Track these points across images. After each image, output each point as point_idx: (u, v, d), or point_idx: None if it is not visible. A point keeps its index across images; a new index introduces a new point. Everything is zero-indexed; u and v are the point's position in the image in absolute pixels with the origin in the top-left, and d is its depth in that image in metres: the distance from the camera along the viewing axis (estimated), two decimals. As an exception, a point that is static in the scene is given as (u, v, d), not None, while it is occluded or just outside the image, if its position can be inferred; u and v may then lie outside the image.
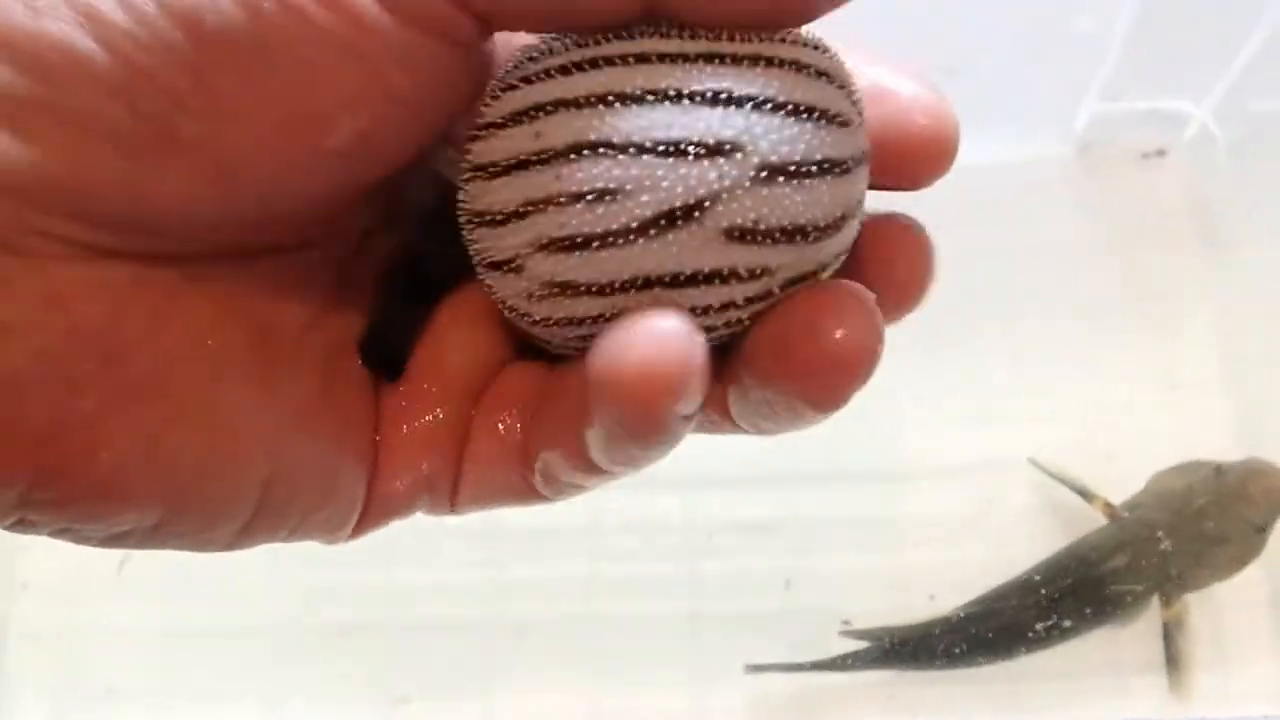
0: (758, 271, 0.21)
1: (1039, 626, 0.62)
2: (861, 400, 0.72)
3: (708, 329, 0.21)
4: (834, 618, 0.64)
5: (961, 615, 0.63)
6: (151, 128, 0.18)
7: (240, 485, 0.22)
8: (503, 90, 0.22)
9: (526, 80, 0.21)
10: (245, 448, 0.22)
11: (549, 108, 0.21)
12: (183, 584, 0.65)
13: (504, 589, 0.66)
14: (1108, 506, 0.64)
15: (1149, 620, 0.63)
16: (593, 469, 0.23)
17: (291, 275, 0.23)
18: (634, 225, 0.20)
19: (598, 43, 0.21)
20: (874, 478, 0.68)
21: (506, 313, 0.23)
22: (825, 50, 0.22)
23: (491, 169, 0.21)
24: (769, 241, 0.20)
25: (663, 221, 0.20)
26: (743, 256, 0.20)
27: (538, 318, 0.22)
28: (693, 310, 0.21)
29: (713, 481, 0.67)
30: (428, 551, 0.66)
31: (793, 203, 0.20)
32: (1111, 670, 0.65)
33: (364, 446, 0.25)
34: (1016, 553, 0.66)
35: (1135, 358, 0.70)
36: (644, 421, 0.19)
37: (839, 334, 0.21)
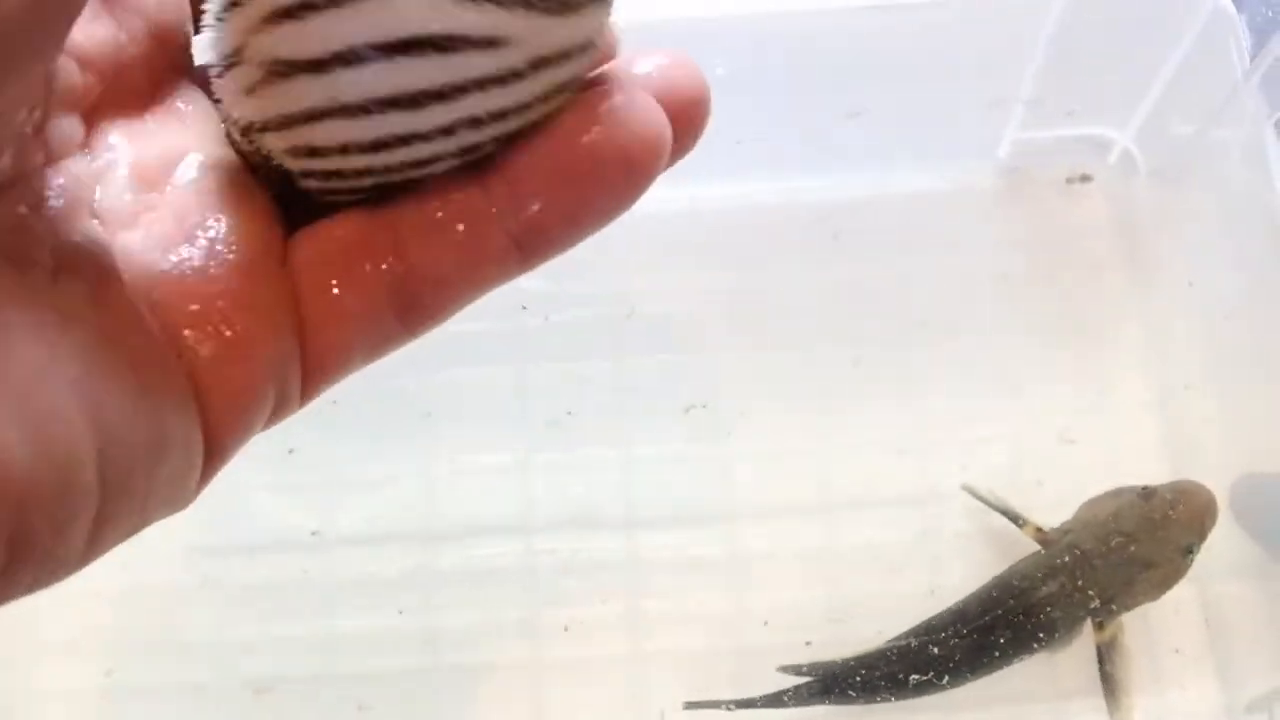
0: (495, 41, 0.20)
1: (976, 655, 0.62)
2: (796, 433, 0.73)
3: (472, 123, 0.21)
4: (773, 653, 0.64)
5: (900, 646, 0.63)
6: None
7: (78, 464, 0.19)
8: None
9: None
10: (65, 417, 0.18)
11: None
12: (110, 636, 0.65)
13: (440, 634, 0.66)
14: (1039, 532, 0.65)
15: (1084, 644, 0.64)
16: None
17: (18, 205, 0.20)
18: None
19: None
20: (810, 510, 0.68)
21: (244, 144, 0.22)
22: None
23: None
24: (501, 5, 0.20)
25: None
26: (475, 20, 0.19)
27: (261, 120, 0.21)
28: (439, 97, 0.20)
29: (650, 521, 0.67)
30: (361, 599, 0.66)
31: None
32: (1052, 694, 0.65)
33: (171, 364, 0.21)
34: (953, 580, 0.66)
35: (1064, 381, 0.71)
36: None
37: (634, 123, 0.21)
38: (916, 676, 0.62)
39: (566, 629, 0.66)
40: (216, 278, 0.22)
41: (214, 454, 0.22)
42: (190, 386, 0.21)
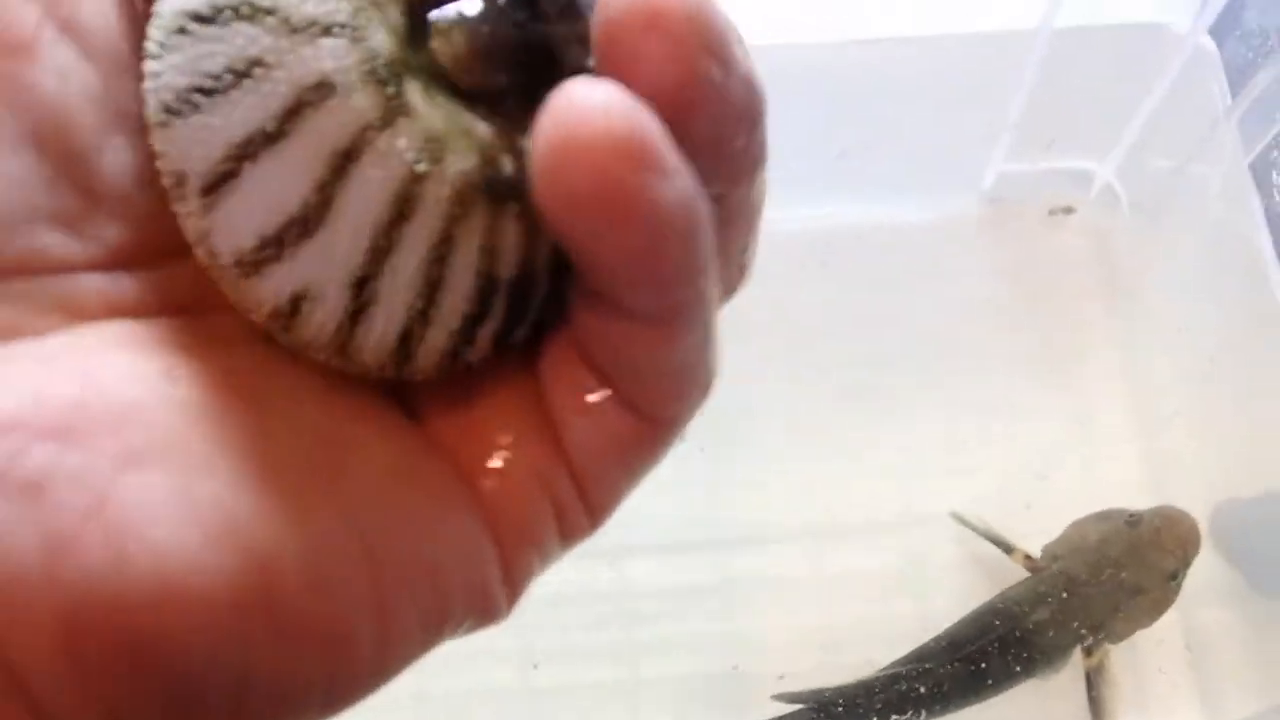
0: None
1: (969, 682, 0.63)
2: (784, 460, 0.73)
3: None
4: (767, 680, 0.64)
5: (892, 673, 0.64)
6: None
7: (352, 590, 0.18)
8: None
9: None
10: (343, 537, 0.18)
11: None
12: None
13: (436, 666, 0.65)
14: (1028, 559, 0.66)
15: (1073, 670, 0.65)
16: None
17: None
18: None
19: None
20: (800, 537, 0.69)
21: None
22: None
23: None
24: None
25: None
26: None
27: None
28: None
29: (642, 548, 0.67)
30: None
31: None
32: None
33: (450, 481, 0.21)
34: (943, 607, 0.67)
35: (1048, 409, 0.72)
36: (620, 212, 0.16)
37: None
38: (909, 704, 0.63)
39: (557, 656, 0.66)
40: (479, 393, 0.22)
41: (514, 572, 0.21)
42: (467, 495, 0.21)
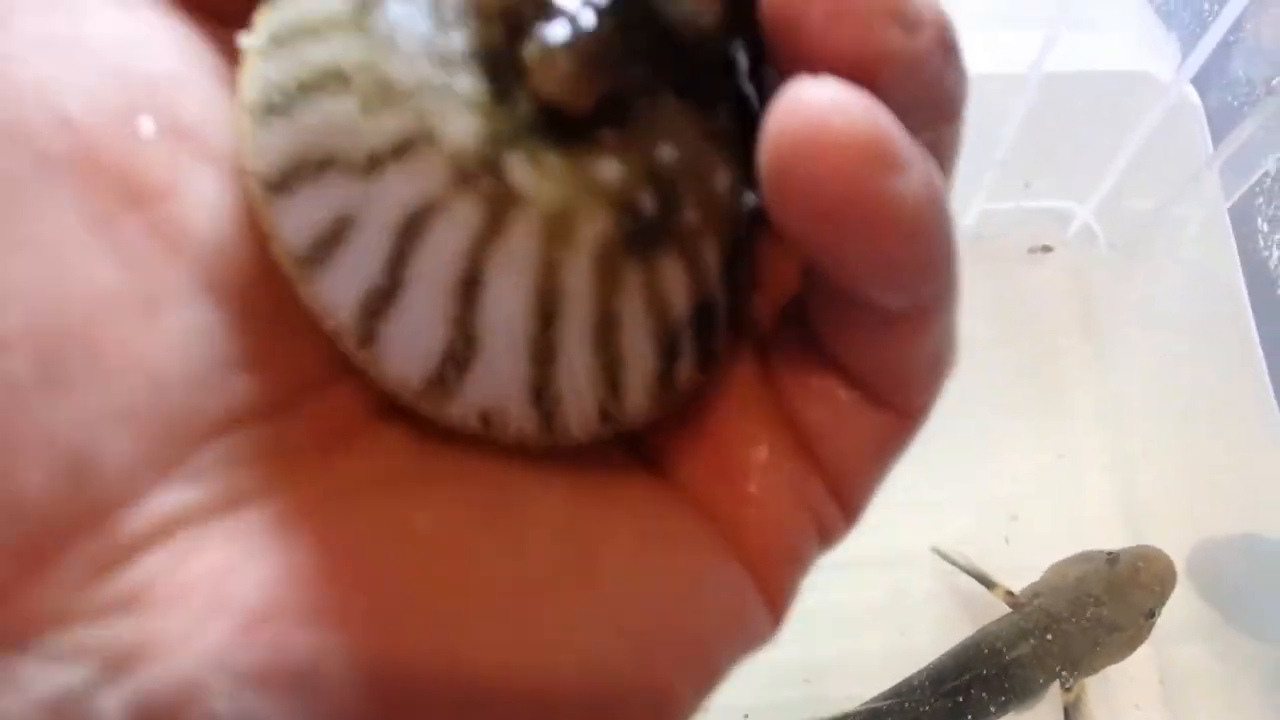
0: None
1: (948, 716, 0.63)
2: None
3: None
4: (754, 713, 0.64)
5: (873, 707, 0.64)
6: None
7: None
8: None
9: None
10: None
11: None
12: None
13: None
14: (1009, 595, 0.66)
15: (1050, 703, 0.66)
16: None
17: None
18: None
19: None
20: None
21: None
22: None
23: None
24: None
25: None
26: None
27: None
28: None
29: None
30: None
31: None
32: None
33: (704, 532, 0.20)
34: (922, 641, 0.67)
35: (1026, 445, 0.73)
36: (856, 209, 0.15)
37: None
38: (892, 738, 0.63)
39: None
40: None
41: (774, 590, 0.21)
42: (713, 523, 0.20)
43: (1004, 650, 0.64)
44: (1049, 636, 0.64)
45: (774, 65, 0.18)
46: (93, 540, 0.16)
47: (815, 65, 0.17)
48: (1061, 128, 0.68)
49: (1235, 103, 0.61)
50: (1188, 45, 0.64)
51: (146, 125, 0.17)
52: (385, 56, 0.16)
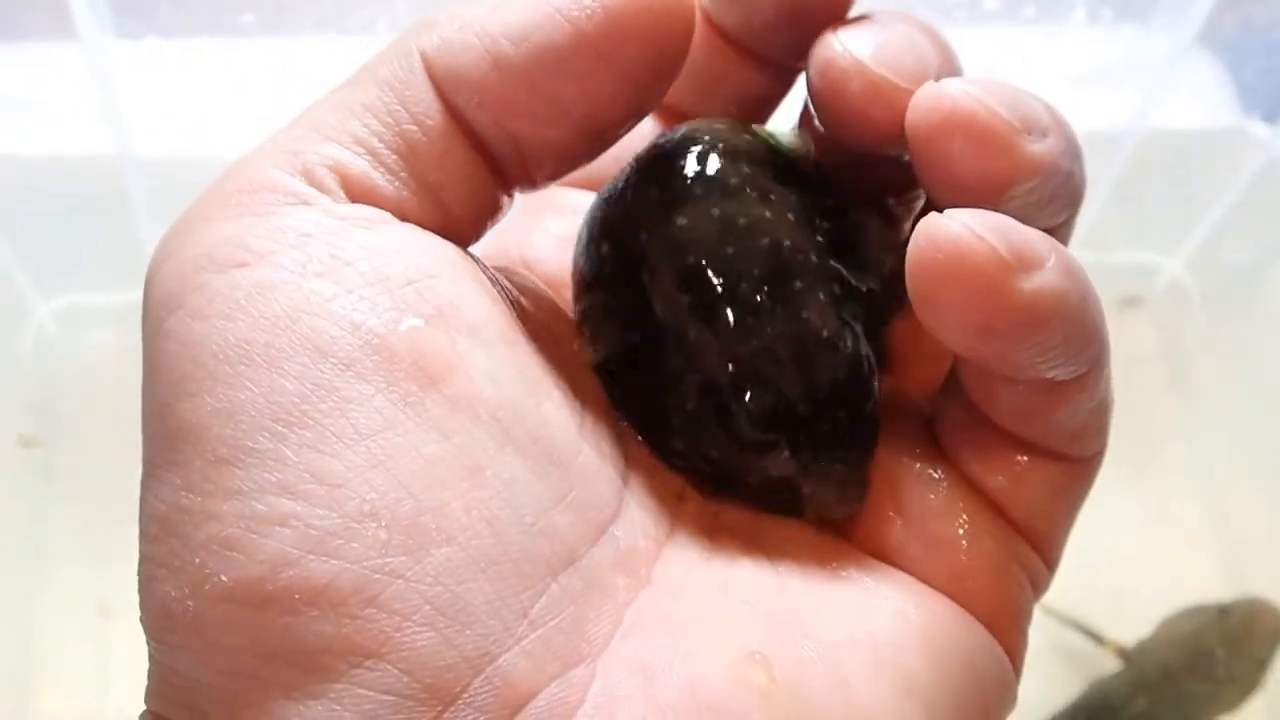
0: None
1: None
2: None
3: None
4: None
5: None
6: None
7: None
8: None
9: None
10: None
11: None
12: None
13: None
14: (1121, 651, 0.66)
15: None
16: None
17: None
18: None
19: None
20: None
21: None
22: None
23: None
24: None
25: None
26: None
27: None
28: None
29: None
30: None
31: None
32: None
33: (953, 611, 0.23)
34: (1031, 696, 0.67)
35: (1122, 500, 0.72)
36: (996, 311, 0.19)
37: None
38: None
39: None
40: None
41: None
42: None
43: (1122, 705, 0.64)
44: (1165, 691, 0.64)
45: (923, 188, 0.22)
46: (483, 688, 0.18)
47: (960, 187, 0.20)
48: (1154, 181, 0.68)
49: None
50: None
51: (415, 318, 0.19)
52: None
